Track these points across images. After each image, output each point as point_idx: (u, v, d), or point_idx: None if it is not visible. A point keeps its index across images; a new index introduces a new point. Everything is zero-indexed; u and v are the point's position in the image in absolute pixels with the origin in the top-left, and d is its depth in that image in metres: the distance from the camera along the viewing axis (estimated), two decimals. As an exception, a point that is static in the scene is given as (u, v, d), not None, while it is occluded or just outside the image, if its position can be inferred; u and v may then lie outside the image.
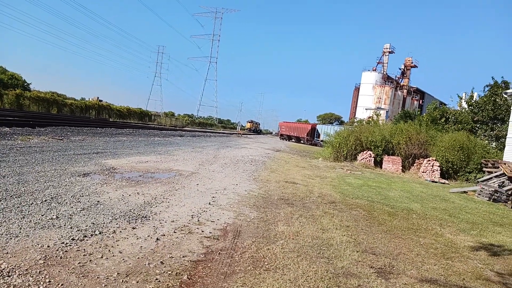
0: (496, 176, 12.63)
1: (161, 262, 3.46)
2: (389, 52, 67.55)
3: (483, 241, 6.02)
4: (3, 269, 2.91)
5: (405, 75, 69.34)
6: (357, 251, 4.57)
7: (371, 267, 4.08)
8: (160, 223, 4.74)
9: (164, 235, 4.28)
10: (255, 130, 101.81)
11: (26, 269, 2.96)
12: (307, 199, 7.81)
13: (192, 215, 5.35)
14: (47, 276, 2.89)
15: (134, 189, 6.56)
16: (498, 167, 13.19)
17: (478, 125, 23.93)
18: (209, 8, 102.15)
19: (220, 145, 23.31)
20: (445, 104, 35.81)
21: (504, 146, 16.41)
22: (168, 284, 3.03)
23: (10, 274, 2.85)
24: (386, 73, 66.22)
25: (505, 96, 19.30)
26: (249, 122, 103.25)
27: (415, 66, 69.69)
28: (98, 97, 56.84)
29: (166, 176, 8.41)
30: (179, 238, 4.26)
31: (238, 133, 65.60)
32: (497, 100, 22.39)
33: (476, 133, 22.68)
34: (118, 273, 3.11)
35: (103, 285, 2.89)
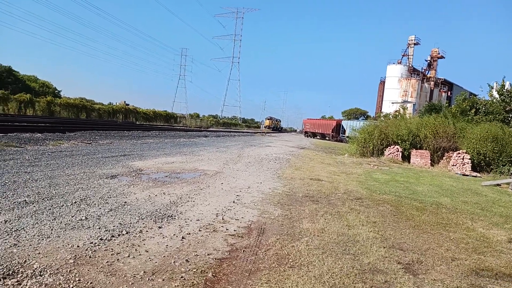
0: (531, 168, 12.12)
1: (186, 260, 3.50)
2: (414, 44, 65.92)
3: (518, 235, 5.79)
4: (35, 268, 3.02)
5: (431, 67, 67.58)
6: (384, 247, 4.49)
7: (399, 262, 4.00)
8: (186, 222, 4.80)
9: (189, 233, 4.34)
10: (275, 127, 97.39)
11: (57, 269, 3.06)
12: (332, 195, 7.74)
13: (217, 213, 5.39)
14: (77, 275, 2.98)
15: (160, 189, 6.68)
16: (533, 158, 12.65)
17: (510, 116, 23.02)
18: (230, 8, 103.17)
19: (244, 144, 23.39)
20: (475, 95, 34.59)
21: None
22: (193, 282, 3.07)
23: (42, 273, 2.96)
24: (412, 66, 64.69)
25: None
26: (268, 119, 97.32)
27: (442, 57, 67.78)
28: (125, 101, 58.15)
29: (191, 176, 8.51)
30: (204, 236, 4.30)
31: (262, 132, 65.65)
32: (530, 88, 21.46)
33: (509, 124, 21.81)
34: (144, 272, 3.17)
35: (130, 283, 2.96)
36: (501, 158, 16.42)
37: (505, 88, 24.55)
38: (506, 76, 26.92)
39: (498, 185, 12.47)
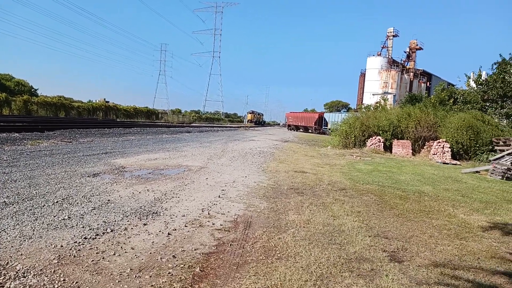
0: (508, 154, 12.47)
1: (173, 256, 3.47)
2: (393, 36, 66.80)
3: (497, 220, 5.95)
4: (18, 270, 2.94)
5: (410, 58, 68.62)
6: (369, 236, 4.55)
7: (384, 251, 4.06)
8: (171, 218, 4.76)
9: (175, 229, 4.30)
10: (258, 121, 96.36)
11: (41, 269, 2.99)
12: (317, 187, 7.79)
13: (203, 208, 5.36)
14: (61, 275, 2.92)
15: (144, 186, 6.60)
16: (510, 144, 13.01)
17: (488, 104, 23.56)
18: (209, 3, 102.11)
19: (227, 139, 23.33)
20: (453, 85, 35.26)
21: (515, 124, 16.16)
22: (181, 277, 3.05)
23: (25, 274, 2.89)
24: (391, 57, 65.56)
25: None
26: (250, 113, 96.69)
27: (420, 49, 68.88)
28: (104, 99, 57.32)
29: (175, 172, 8.44)
30: (190, 231, 4.27)
31: (245, 126, 65.60)
32: (506, 77, 22.00)
33: (486, 112, 22.34)
34: (131, 269, 3.13)
35: (117, 281, 2.91)
36: (478, 146, 16.82)
37: (482, 77, 25.12)
38: (482, 66, 27.45)
39: (477, 172, 12.79)
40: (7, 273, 2.89)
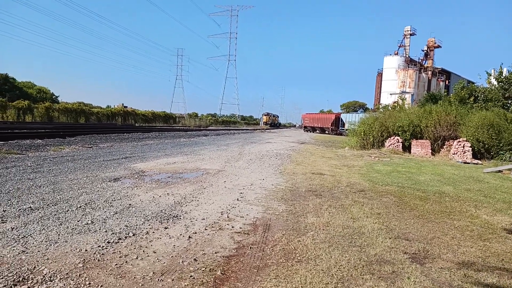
0: (532, 153, 12.13)
1: (195, 259, 3.52)
2: (410, 35, 65.90)
3: (522, 220, 5.81)
4: (45, 274, 3.03)
5: (428, 57, 67.56)
6: (390, 238, 4.51)
7: (405, 252, 4.02)
8: (191, 221, 4.82)
9: (195, 232, 4.36)
10: (273, 123, 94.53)
11: (67, 273, 3.08)
12: (335, 189, 7.75)
13: (222, 211, 5.41)
14: (87, 279, 3.00)
15: (164, 190, 6.70)
16: (534, 143, 12.66)
17: (510, 102, 23.02)
18: (224, 7, 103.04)
19: (244, 142, 23.41)
20: (473, 83, 34.56)
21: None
22: (202, 280, 3.09)
23: (52, 278, 2.97)
24: (409, 56, 64.67)
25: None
26: (265, 115, 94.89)
27: (438, 47, 67.74)
28: (123, 104, 58.23)
29: (194, 176, 8.53)
30: (210, 235, 4.32)
31: (262, 129, 65.65)
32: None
33: (509, 110, 21.81)
34: (153, 272, 3.19)
35: (140, 284, 2.97)
36: (501, 145, 16.44)
37: (503, 74, 24.56)
38: (503, 63, 26.86)
39: (500, 171, 12.50)
40: (35, 277, 2.98)
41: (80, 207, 5.13)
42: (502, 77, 24.27)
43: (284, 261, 3.62)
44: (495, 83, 25.03)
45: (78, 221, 4.47)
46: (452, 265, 3.73)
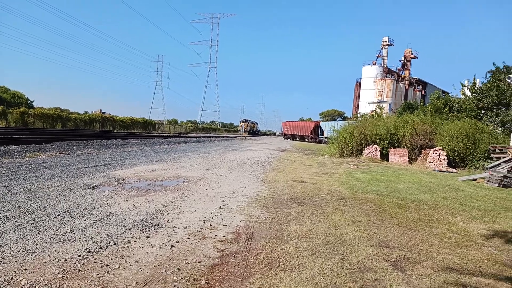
0: (504, 162, 12.57)
1: (178, 269, 3.48)
2: (388, 45, 67.46)
3: (496, 228, 5.99)
4: (23, 285, 2.94)
5: (405, 67, 69.19)
6: (371, 246, 4.58)
7: (386, 260, 4.09)
8: (173, 230, 4.77)
9: (178, 241, 4.31)
10: (251, 130, 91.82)
11: (46, 284, 2.99)
12: (316, 197, 7.82)
13: (204, 220, 5.37)
14: (67, 290, 2.93)
15: (145, 198, 6.60)
16: (506, 152, 13.12)
17: (483, 112, 23.80)
18: (206, 14, 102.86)
19: (225, 149, 23.35)
20: (448, 93, 35.65)
21: (510, 131, 16.33)
22: (186, 290, 3.06)
23: (31, 289, 2.89)
24: (387, 66, 66.12)
25: (508, 80, 19.19)
26: (243, 122, 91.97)
27: (415, 57, 69.51)
28: (101, 110, 57.07)
29: (174, 183, 8.45)
30: (193, 243, 4.28)
31: (242, 136, 65.66)
32: (500, 85, 22.26)
33: (482, 120, 22.55)
34: (136, 282, 3.14)
35: (123, 294, 2.92)
36: (475, 154, 16.94)
37: (477, 85, 25.41)
38: (477, 74, 27.85)
39: (474, 179, 12.87)
40: (13, 288, 2.89)
41: (58, 215, 5.00)
42: (476, 88, 25.11)
43: (268, 269, 3.62)
44: (469, 93, 25.86)
45: (56, 230, 4.36)
46: (432, 271, 3.81)
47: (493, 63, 24.26)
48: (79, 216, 5.07)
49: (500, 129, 21.59)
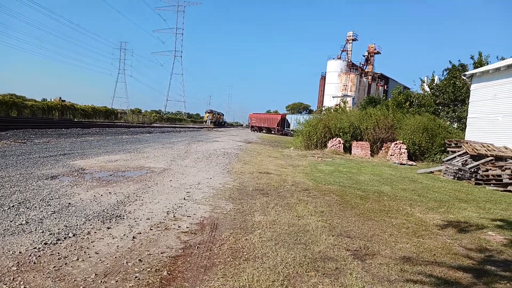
0: (459, 155, 13.19)
1: (139, 260, 3.42)
2: (353, 40, 68.77)
3: (451, 218, 6.29)
4: (-26, 279, 2.80)
5: (369, 62, 70.83)
6: (333, 235, 4.68)
7: (347, 250, 4.20)
8: (135, 221, 4.67)
9: (140, 233, 4.23)
10: (217, 122, 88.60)
11: (-1, 277, 2.86)
12: (281, 188, 7.90)
13: (168, 211, 5.30)
14: (21, 283, 2.80)
15: (106, 189, 6.43)
16: (461, 146, 13.76)
17: (440, 107, 24.83)
18: (171, 1, 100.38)
19: (190, 140, 23.11)
20: (408, 88, 36.88)
21: (465, 127, 17.13)
22: (148, 281, 3.01)
23: (-19, 283, 2.75)
24: (351, 61, 67.46)
25: (464, 78, 20.07)
26: (208, 112, 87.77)
27: (378, 53, 71.26)
28: (60, 97, 54.72)
29: (137, 174, 8.27)
30: (155, 235, 4.22)
31: (208, 127, 65.16)
32: (456, 82, 23.26)
33: (439, 115, 23.53)
34: (96, 274, 3.05)
35: (81, 287, 2.83)
36: (433, 147, 17.68)
37: (435, 82, 26.44)
38: (435, 71, 29.00)
39: (432, 172, 13.44)
40: (-39, 282, 2.74)
41: (13, 206, 4.77)
42: (434, 85, 26.14)
43: (231, 260, 3.63)
44: (428, 89, 26.88)
45: (10, 222, 4.16)
46: (390, 260, 3.95)
47: (449, 61, 25.38)
48: (36, 207, 4.86)
49: (456, 124, 22.62)
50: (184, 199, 6.19)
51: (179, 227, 4.61)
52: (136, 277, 3.07)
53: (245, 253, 3.82)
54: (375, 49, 70.69)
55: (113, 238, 3.96)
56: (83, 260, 3.32)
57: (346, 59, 67.30)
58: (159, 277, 3.12)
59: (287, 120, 54.00)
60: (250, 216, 5.34)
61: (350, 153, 19.80)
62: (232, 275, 3.26)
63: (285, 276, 3.31)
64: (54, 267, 3.13)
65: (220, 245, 4.03)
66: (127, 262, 3.35)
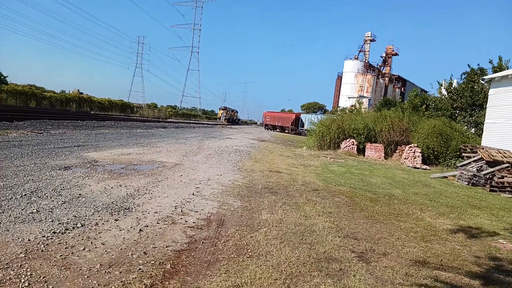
0: (474, 161, 12.95)
1: (144, 253, 3.46)
2: (371, 40, 67.96)
3: (462, 224, 6.19)
4: (-17, 264, 2.87)
5: (386, 63, 69.95)
6: (339, 237, 4.66)
7: (353, 251, 4.17)
8: (143, 214, 4.73)
9: (147, 226, 4.28)
10: (231, 119, 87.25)
11: (7, 263, 2.93)
12: (290, 187, 7.89)
13: (176, 206, 5.35)
14: (28, 270, 2.87)
15: (117, 181, 6.51)
16: (476, 152, 13.50)
17: (457, 112, 24.40)
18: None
19: (204, 136, 23.22)
20: (426, 92, 36.30)
21: (482, 132, 16.79)
22: (151, 274, 3.04)
23: (-11, 268, 2.82)
24: (368, 61, 66.71)
25: (482, 82, 19.69)
26: (223, 109, 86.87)
27: (396, 54, 70.33)
28: (78, 90, 55.63)
29: (149, 168, 8.35)
30: (162, 228, 4.26)
31: (222, 124, 65.35)
32: (474, 87, 22.82)
33: (456, 120, 23.13)
34: (100, 265, 3.11)
35: (86, 276, 2.88)
36: (448, 152, 17.40)
37: (453, 86, 25.98)
38: (453, 74, 28.51)
39: (445, 177, 13.23)
40: (-29, 266, 2.82)
41: (25, 195, 4.88)
42: (452, 88, 25.68)
43: (235, 256, 3.64)
44: (445, 93, 26.44)
45: (22, 210, 4.25)
46: (395, 264, 3.92)
47: (468, 65, 24.83)
48: (47, 196, 4.96)
49: (473, 129, 22.21)
50: (193, 194, 6.23)
51: (186, 221, 4.65)
52: (139, 269, 3.11)
53: (249, 250, 3.83)
54: (393, 51, 69.79)
55: (120, 230, 4.01)
56: (90, 250, 3.38)
57: (363, 60, 66.59)
58: (162, 270, 3.15)
59: (301, 119, 53.80)
60: (257, 214, 5.35)
61: (364, 155, 19.63)
62: (234, 271, 3.28)
63: (287, 275, 3.31)
64: (61, 255, 3.19)
65: (225, 241, 4.05)
66: (132, 254, 3.39)
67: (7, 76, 53.50)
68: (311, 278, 3.32)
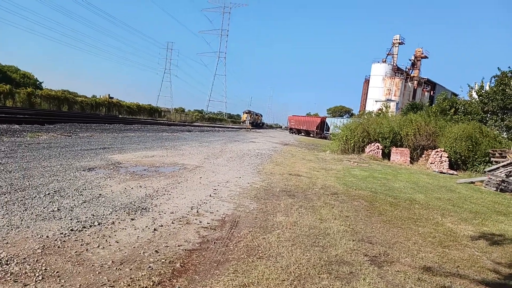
0: (503, 166, 12.50)
1: (156, 251, 3.55)
2: (399, 43, 66.88)
3: (484, 230, 6.00)
4: (2, 257, 3.02)
5: (415, 66, 68.60)
6: (353, 240, 4.61)
7: (366, 255, 4.12)
8: (159, 214, 4.83)
9: (162, 225, 4.37)
10: (255, 122, 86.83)
11: (24, 258, 3.07)
12: (309, 190, 7.85)
13: (192, 206, 5.43)
14: (43, 264, 3.00)
15: (137, 182, 6.68)
16: (506, 156, 13.04)
17: (488, 115, 23.60)
18: (217, 3, 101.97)
19: (227, 140, 23.41)
20: (456, 95, 35.35)
21: (513, 136, 16.21)
22: (160, 272, 3.12)
23: (8, 262, 2.96)
24: (396, 65, 65.59)
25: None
26: (246, 113, 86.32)
27: (425, 57, 68.88)
28: (109, 95, 57.20)
29: (170, 170, 8.52)
30: (176, 228, 4.35)
31: (247, 128, 65.64)
32: (506, 90, 22.03)
33: (487, 124, 22.37)
34: (112, 261, 3.21)
35: (97, 272, 2.99)
36: (476, 157, 16.85)
37: (484, 89, 25.14)
38: (484, 77, 27.60)
39: (473, 182, 12.82)
40: (-9, 260, 2.97)
41: (48, 194, 5.08)
42: (483, 91, 24.86)
43: (245, 257, 3.68)
44: (476, 96, 25.62)
45: (44, 208, 4.44)
46: (408, 268, 3.85)
47: (498, 68, 23.87)
48: (69, 196, 5.14)
49: (505, 134, 21.42)
50: (210, 196, 6.31)
51: (200, 222, 4.72)
52: (149, 266, 3.19)
53: (260, 252, 3.85)
54: (422, 53, 68.37)
55: (135, 229, 4.12)
56: (103, 247, 3.49)
57: (392, 63, 65.55)
58: (172, 268, 3.22)
59: (326, 123, 53.35)
60: (272, 216, 5.36)
61: (389, 159, 19.28)
62: (243, 271, 3.31)
63: (296, 276, 3.31)
64: (76, 252, 3.31)
65: (236, 242, 4.09)
66: (144, 252, 3.48)
67: (42, 82, 55.76)
68: (319, 280, 3.31)
